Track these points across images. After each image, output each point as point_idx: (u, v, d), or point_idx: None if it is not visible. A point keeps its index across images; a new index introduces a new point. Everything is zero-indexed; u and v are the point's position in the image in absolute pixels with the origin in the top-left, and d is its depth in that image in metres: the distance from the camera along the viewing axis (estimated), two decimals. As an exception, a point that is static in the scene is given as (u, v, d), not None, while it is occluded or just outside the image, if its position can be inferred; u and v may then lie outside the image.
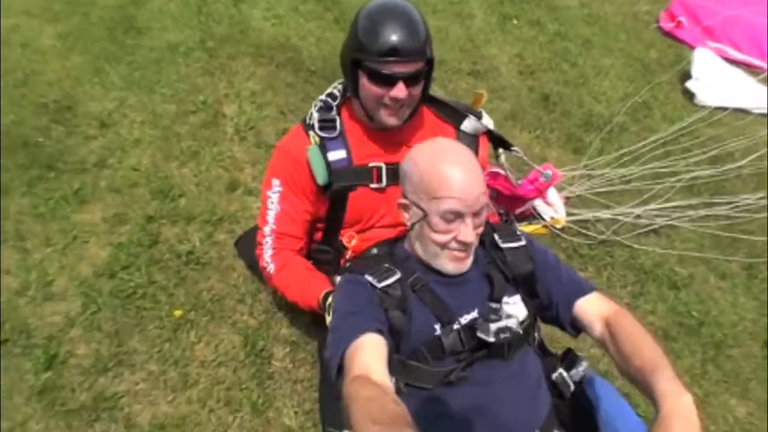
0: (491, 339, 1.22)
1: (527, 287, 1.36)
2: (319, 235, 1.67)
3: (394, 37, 1.39)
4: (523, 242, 1.38)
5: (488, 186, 2.02)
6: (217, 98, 2.98)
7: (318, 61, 3.26)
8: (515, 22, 3.82)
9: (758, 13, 3.75)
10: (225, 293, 2.08)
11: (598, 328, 1.26)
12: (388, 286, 1.25)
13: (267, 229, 1.63)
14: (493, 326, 1.22)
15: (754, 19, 3.74)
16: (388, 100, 1.45)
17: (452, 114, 1.68)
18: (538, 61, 3.44)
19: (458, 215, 1.22)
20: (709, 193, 2.73)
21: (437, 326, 1.27)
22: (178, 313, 2.00)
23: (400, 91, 1.42)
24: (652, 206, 2.54)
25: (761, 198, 2.68)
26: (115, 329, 1.96)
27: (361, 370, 1.04)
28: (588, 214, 2.46)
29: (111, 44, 3.22)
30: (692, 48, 3.72)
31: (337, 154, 1.55)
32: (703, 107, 3.23)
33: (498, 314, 1.25)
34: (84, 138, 2.71)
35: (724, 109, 3.23)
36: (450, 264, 1.28)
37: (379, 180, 1.57)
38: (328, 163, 1.54)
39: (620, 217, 2.46)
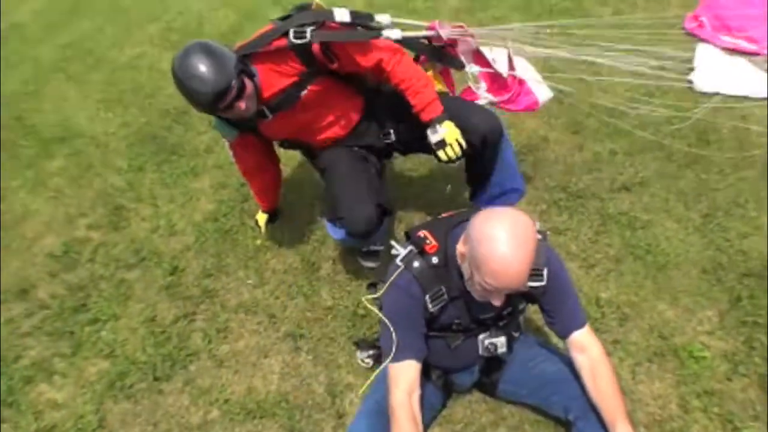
0: (482, 353, 1.94)
1: (536, 299, 1.86)
2: None
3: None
4: (543, 282, 1.75)
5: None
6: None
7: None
8: (549, 31, 4.58)
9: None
10: (291, 230, 3.02)
11: (579, 360, 1.82)
12: (435, 307, 1.76)
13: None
14: (486, 342, 1.93)
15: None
16: None
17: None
18: (561, 64, 4.15)
19: (498, 292, 1.60)
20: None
21: (457, 320, 1.85)
22: (258, 242, 2.97)
23: None
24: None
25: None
26: (216, 251, 2.95)
27: (403, 397, 1.71)
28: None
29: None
30: (714, 45, 4.26)
31: None
32: (702, 94, 3.80)
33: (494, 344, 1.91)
34: (197, 133, 3.82)
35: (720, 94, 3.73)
36: (476, 296, 1.71)
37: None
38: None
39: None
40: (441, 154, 2.31)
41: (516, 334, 2.10)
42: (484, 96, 2.66)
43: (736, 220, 2.96)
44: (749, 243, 2.83)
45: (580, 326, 1.85)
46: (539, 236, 1.75)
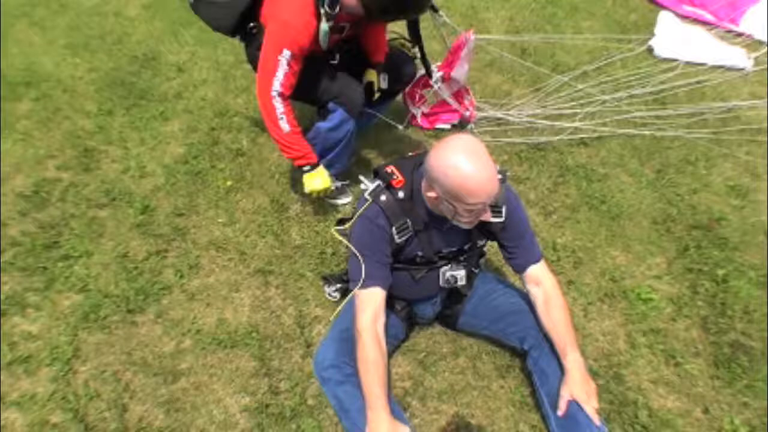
0: (442, 284, 2.08)
1: (495, 236, 2.00)
2: None
3: None
4: (502, 219, 1.91)
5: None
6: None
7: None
8: (516, -8, 4.73)
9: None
10: (261, 173, 3.12)
11: (534, 291, 2.00)
12: (401, 238, 1.89)
13: (275, 92, 2.32)
14: (447, 274, 2.07)
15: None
16: None
17: None
18: (525, 23, 4.32)
19: (483, 208, 1.74)
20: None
21: (420, 252, 1.97)
22: (228, 183, 3.06)
23: None
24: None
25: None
26: (187, 192, 3.03)
27: (368, 322, 1.83)
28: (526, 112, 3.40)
29: (185, 12, 4.37)
30: (676, 14, 4.47)
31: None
32: (662, 59, 4.01)
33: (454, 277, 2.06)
34: (166, 79, 3.85)
35: (678, 60, 3.98)
36: (465, 225, 1.82)
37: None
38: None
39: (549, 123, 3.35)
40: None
41: (476, 271, 2.26)
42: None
43: (687, 177, 3.19)
44: (698, 198, 3.06)
45: (536, 261, 2.02)
46: (499, 176, 1.91)
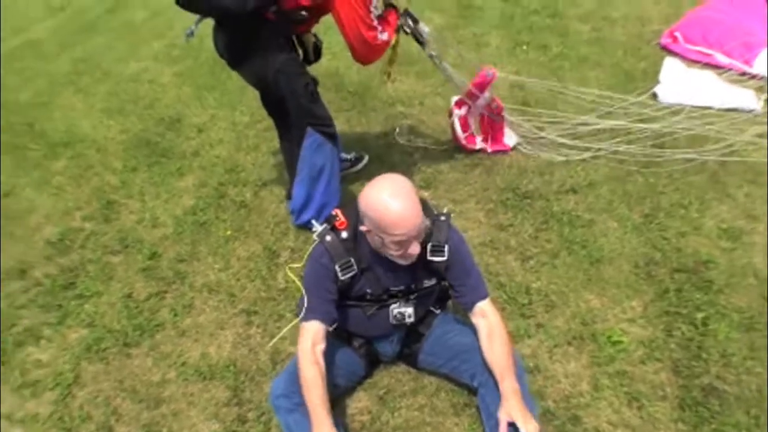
0: (392, 321, 2.25)
1: (441, 275, 2.16)
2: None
3: None
4: (444, 258, 2.07)
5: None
6: (279, 112, 4.48)
7: (356, 84, 4.68)
8: (525, 48, 5.00)
9: (757, 20, 4.52)
10: (258, 223, 3.45)
11: (479, 323, 2.14)
12: (345, 276, 2.06)
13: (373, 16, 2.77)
14: (395, 311, 2.23)
15: (752, 25, 4.50)
16: None
17: None
18: (531, 77, 4.58)
19: (408, 240, 1.91)
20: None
21: (369, 290, 2.14)
22: (228, 232, 3.40)
23: None
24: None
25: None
26: (191, 240, 3.39)
27: (307, 347, 2.02)
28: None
29: (210, 78, 4.90)
30: (684, 59, 4.59)
31: None
32: (665, 106, 4.12)
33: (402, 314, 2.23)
34: (186, 138, 4.32)
35: (683, 105, 4.05)
36: (401, 261, 1.99)
37: None
38: None
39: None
40: None
41: (437, 311, 2.47)
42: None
43: (676, 220, 3.25)
44: (686, 241, 3.12)
45: (482, 298, 2.17)
46: (443, 218, 2.14)
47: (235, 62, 2.94)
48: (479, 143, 3.77)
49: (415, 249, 1.96)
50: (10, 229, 3.59)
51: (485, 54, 4.90)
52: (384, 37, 2.88)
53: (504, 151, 3.79)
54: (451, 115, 3.73)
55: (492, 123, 3.69)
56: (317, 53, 3.12)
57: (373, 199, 1.88)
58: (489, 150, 3.77)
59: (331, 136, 2.97)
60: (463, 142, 3.74)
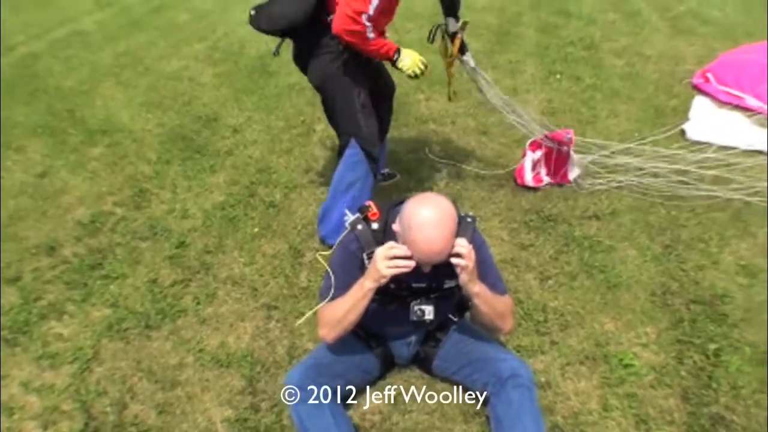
0: (412, 317, 2.25)
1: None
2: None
3: None
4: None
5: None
6: (313, 119, 4.61)
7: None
8: (558, 77, 5.09)
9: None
10: (286, 223, 3.54)
11: None
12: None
13: (365, 17, 2.62)
14: (416, 308, 2.25)
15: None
16: None
17: None
18: (562, 105, 4.66)
19: (426, 263, 1.98)
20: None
21: (392, 285, 2.10)
22: (255, 230, 3.50)
23: None
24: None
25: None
26: (219, 234, 3.49)
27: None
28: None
29: (249, 82, 5.05)
30: (715, 100, 4.65)
31: None
32: (693, 142, 4.17)
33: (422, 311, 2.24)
34: (221, 137, 4.44)
35: (711, 144, 4.11)
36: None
37: None
38: None
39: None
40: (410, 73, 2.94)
41: (455, 318, 2.51)
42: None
43: (696, 253, 3.30)
44: (704, 274, 3.16)
45: (503, 294, 2.24)
46: (469, 219, 2.19)
47: (303, 68, 3.07)
48: (545, 179, 3.82)
49: (427, 268, 2.04)
50: (43, 208, 3.71)
51: (520, 80, 4.99)
52: (371, 36, 2.81)
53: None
54: (524, 155, 3.79)
55: (559, 156, 3.74)
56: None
57: (412, 215, 1.93)
58: (551, 182, 3.84)
59: (371, 157, 3.00)
60: (531, 183, 3.82)
